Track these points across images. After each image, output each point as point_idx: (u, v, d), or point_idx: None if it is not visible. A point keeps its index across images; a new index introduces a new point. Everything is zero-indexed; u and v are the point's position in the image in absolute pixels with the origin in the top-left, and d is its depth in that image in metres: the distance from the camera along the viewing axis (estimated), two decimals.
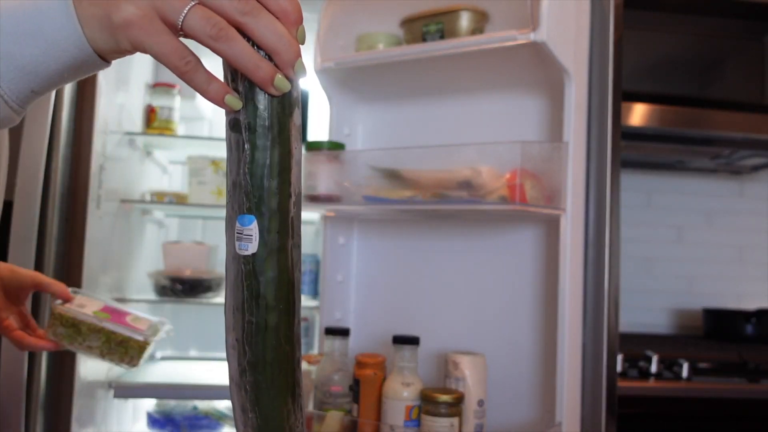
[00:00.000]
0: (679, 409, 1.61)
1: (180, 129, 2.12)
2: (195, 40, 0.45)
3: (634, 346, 1.80)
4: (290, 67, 0.47)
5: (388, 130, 1.43)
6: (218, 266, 1.94)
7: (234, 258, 0.50)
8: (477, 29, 1.22)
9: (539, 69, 1.18)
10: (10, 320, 0.97)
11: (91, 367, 1.57)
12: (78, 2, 0.45)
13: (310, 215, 2.01)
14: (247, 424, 0.52)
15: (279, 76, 0.46)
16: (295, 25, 0.47)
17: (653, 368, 1.67)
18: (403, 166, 1.15)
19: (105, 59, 0.48)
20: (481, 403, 1.13)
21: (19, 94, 0.47)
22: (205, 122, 2.28)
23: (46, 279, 1.01)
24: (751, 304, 2.28)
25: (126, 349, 1.06)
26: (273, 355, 0.50)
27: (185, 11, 0.44)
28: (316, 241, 2.21)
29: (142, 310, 2.03)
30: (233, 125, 0.49)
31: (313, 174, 1.24)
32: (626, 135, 1.81)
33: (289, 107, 0.49)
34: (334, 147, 1.27)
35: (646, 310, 2.32)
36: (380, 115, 1.44)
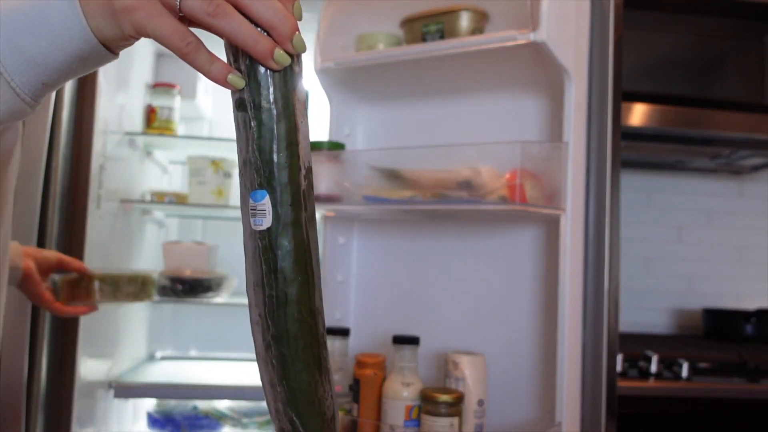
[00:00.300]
0: (679, 409, 1.61)
1: (180, 129, 2.12)
2: (194, 20, 0.46)
3: (634, 346, 1.80)
4: (288, 40, 0.47)
5: (388, 130, 1.43)
6: (218, 266, 1.94)
7: (251, 235, 0.51)
8: (477, 29, 1.22)
9: (539, 69, 1.18)
10: (48, 293, 1.11)
11: (91, 367, 1.57)
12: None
13: None
14: (277, 399, 0.52)
15: (278, 50, 0.47)
16: (290, 1, 0.48)
17: (653, 368, 1.66)
18: (403, 166, 1.15)
19: (112, 50, 0.49)
20: (481, 403, 1.13)
21: (30, 87, 0.47)
22: (205, 122, 2.28)
23: (67, 257, 1.17)
24: (751, 304, 2.28)
25: (148, 286, 1.35)
26: (296, 328, 0.51)
27: None
28: None
29: (143, 309, 2.03)
30: (239, 104, 0.50)
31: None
32: (626, 135, 1.81)
33: (291, 82, 0.50)
34: (334, 147, 1.27)
35: (646, 310, 2.32)
36: (380, 115, 1.44)
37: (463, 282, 1.32)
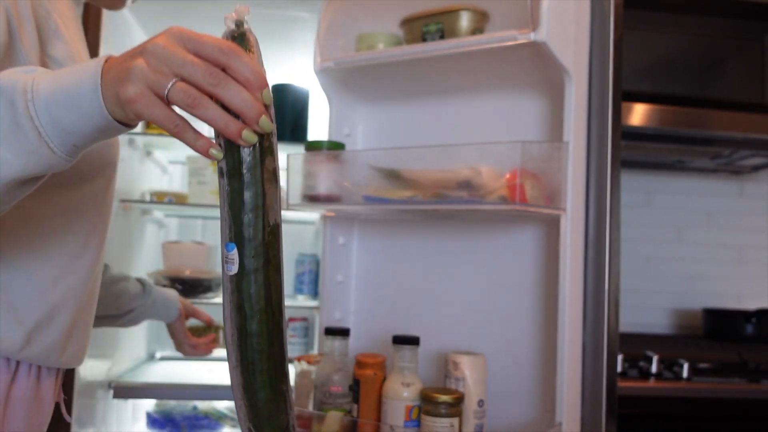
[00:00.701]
0: (680, 410, 1.61)
1: None
2: (179, 107, 0.58)
3: (635, 346, 1.80)
4: (255, 123, 0.58)
5: (388, 130, 1.43)
6: (218, 266, 1.93)
7: (224, 277, 0.62)
8: (477, 29, 1.22)
9: (539, 69, 1.18)
10: (190, 333, 1.38)
11: (90, 368, 1.57)
12: (104, 84, 0.59)
13: (310, 215, 2.01)
14: (240, 412, 0.63)
15: (246, 131, 0.58)
16: (258, 90, 0.58)
17: (653, 368, 1.66)
18: (403, 166, 1.15)
19: (127, 125, 0.61)
20: (481, 403, 1.13)
21: (64, 148, 0.61)
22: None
23: (199, 309, 1.42)
24: (751, 304, 2.28)
25: None
26: (255, 356, 0.61)
27: (169, 86, 0.56)
28: (316, 241, 2.21)
29: None
30: (219, 172, 0.62)
31: (313, 174, 1.24)
32: (626, 135, 1.81)
33: (260, 155, 0.60)
34: (334, 147, 1.27)
35: (646, 310, 2.32)
36: (380, 115, 1.44)
37: (463, 282, 1.32)
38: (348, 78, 1.37)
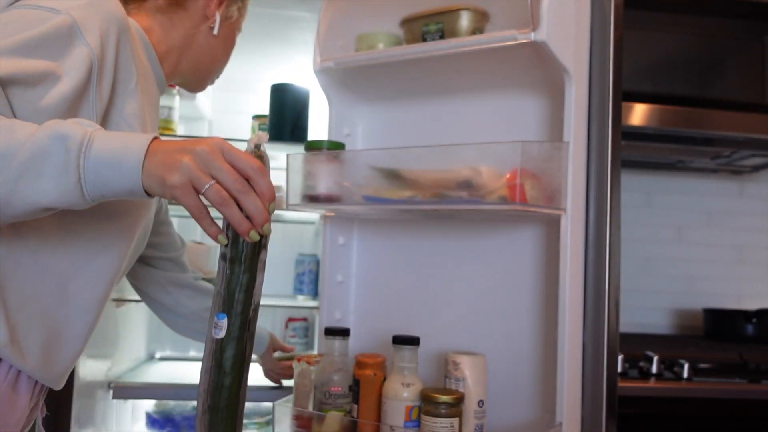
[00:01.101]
0: (680, 410, 1.61)
1: (180, 129, 2.11)
2: (210, 202, 0.73)
3: (635, 346, 1.80)
4: (260, 227, 0.74)
5: (388, 130, 1.43)
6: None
7: (209, 339, 0.78)
8: (477, 29, 1.22)
9: (539, 69, 1.18)
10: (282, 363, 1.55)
11: (90, 368, 1.57)
12: (147, 161, 0.72)
13: (310, 215, 2.01)
14: None
15: (253, 231, 0.73)
16: (269, 202, 0.74)
17: (654, 368, 1.66)
18: (403, 166, 1.14)
19: (150, 195, 0.74)
20: (481, 403, 1.13)
21: (94, 196, 0.73)
22: (204, 122, 2.28)
23: (283, 343, 1.59)
24: (751, 304, 2.28)
25: None
26: (225, 404, 0.78)
27: (207, 186, 0.71)
28: (316, 241, 2.21)
29: (143, 309, 2.03)
30: (222, 256, 0.78)
31: (313, 174, 1.23)
32: (626, 135, 1.81)
33: (258, 250, 0.78)
34: (334, 147, 1.27)
35: (646, 310, 2.32)
36: (380, 115, 1.44)
37: (463, 282, 1.32)
38: (348, 78, 1.37)
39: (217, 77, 1.20)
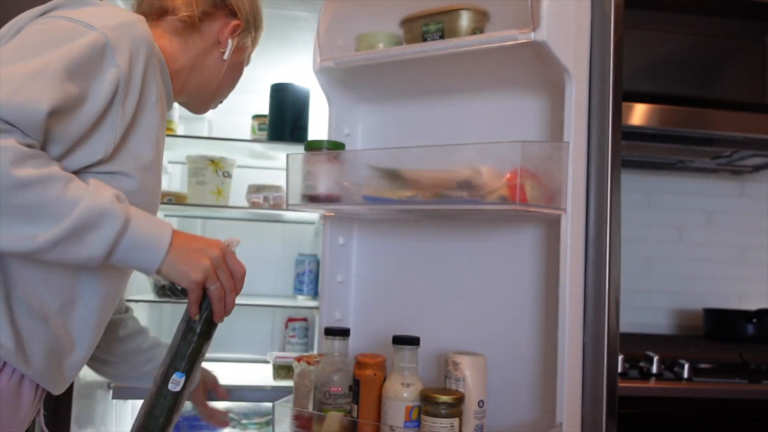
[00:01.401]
0: (680, 410, 1.61)
1: (179, 129, 2.11)
2: (210, 295, 0.93)
3: (635, 346, 1.80)
4: (228, 314, 0.96)
5: (388, 130, 1.42)
6: None
7: (164, 387, 0.96)
8: (477, 29, 1.22)
9: (539, 69, 1.18)
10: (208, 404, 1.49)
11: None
12: (171, 254, 0.86)
13: (310, 215, 2.01)
14: None
15: (224, 317, 0.96)
16: (238, 293, 0.96)
17: (654, 368, 1.66)
18: (403, 166, 1.14)
19: (158, 275, 0.89)
20: (481, 403, 1.13)
21: (107, 261, 0.83)
22: (204, 122, 2.28)
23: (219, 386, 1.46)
24: (751, 304, 2.28)
25: None
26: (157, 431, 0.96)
27: (214, 287, 0.92)
28: (316, 241, 2.21)
29: (142, 309, 2.02)
30: (191, 330, 0.97)
31: (313, 174, 1.23)
32: (626, 135, 1.81)
33: (214, 329, 0.99)
34: (334, 147, 1.27)
35: (646, 310, 2.32)
36: (380, 115, 1.44)
37: (463, 282, 1.32)
38: (348, 78, 1.37)
39: (221, 102, 1.22)
